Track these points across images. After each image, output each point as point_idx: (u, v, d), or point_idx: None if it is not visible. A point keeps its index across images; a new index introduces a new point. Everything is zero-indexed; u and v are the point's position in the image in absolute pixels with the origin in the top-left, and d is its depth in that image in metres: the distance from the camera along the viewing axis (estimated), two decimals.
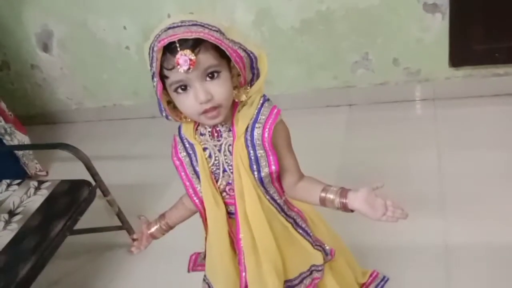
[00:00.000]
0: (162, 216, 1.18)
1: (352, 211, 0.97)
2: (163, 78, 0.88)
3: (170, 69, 0.86)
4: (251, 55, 0.91)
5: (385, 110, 2.40)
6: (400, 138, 2.20)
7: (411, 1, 2.13)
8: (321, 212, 1.22)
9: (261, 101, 0.97)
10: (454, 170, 1.94)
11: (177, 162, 1.02)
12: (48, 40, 2.71)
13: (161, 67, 0.87)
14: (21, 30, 2.69)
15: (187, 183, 1.02)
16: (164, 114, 0.97)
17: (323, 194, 0.99)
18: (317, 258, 1.12)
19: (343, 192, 0.97)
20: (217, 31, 0.86)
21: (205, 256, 1.18)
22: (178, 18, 0.87)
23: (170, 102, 0.95)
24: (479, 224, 1.69)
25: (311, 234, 1.12)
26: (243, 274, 1.06)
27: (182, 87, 0.88)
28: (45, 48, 2.75)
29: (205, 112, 0.90)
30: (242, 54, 0.89)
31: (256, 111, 0.96)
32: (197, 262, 1.24)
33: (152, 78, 0.90)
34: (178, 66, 0.83)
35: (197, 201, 1.02)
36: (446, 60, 2.25)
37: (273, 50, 2.37)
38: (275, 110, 0.96)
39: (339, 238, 1.33)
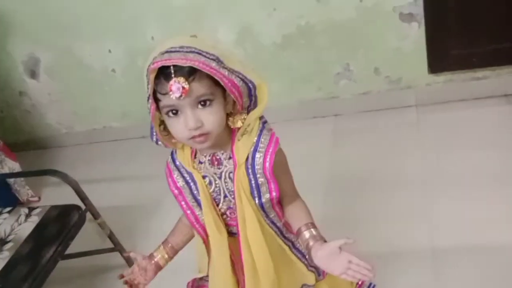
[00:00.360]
0: (165, 242, 1.14)
1: None
2: (156, 100, 0.90)
3: (163, 94, 0.87)
4: (249, 84, 0.92)
5: (369, 119, 2.45)
6: (385, 145, 2.24)
7: (387, 12, 2.19)
8: None
9: (260, 128, 0.98)
10: (439, 174, 1.98)
11: (176, 192, 1.02)
12: (35, 67, 2.74)
13: (155, 90, 0.88)
14: (8, 58, 2.73)
15: (188, 212, 1.03)
16: (154, 139, 0.99)
17: (302, 229, 1.01)
18: (310, 278, 1.15)
19: (313, 243, 0.98)
20: (214, 60, 0.87)
21: (201, 278, 1.21)
22: (179, 41, 0.88)
23: (162, 123, 0.97)
24: (465, 227, 1.72)
25: (307, 256, 1.12)
26: None
27: (174, 111, 0.89)
28: (33, 75, 2.78)
29: (193, 137, 0.91)
30: (239, 83, 0.90)
31: (256, 138, 0.97)
32: (195, 286, 1.26)
33: (147, 99, 0.91)
34: (171, 93, 0.84)
35: (199, 228, 1.03)
36: (425, 67, 2.30)
37: (257, 65, 2.34)
38: (274, 138, 0.98)
39: None
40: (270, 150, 0.96)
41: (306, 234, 1.00)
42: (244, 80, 0.91)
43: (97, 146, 2.96)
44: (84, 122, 2.94)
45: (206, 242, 1.05)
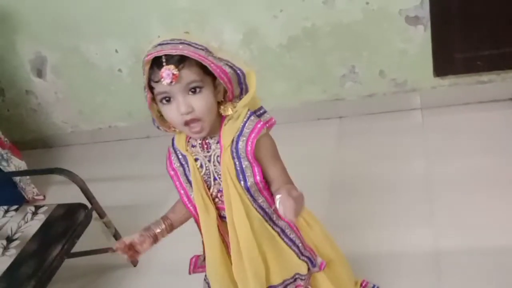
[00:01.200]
0: (165, 218, 1.19)
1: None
2: (151, 89, 0.98)
3: (156, 82, 0.95)
4: (238, 71, 0.99)
5: (374, 121, 2.45)
6: (390, 148, 2.24)
7: (393, 15, 2.19)
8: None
9: (247, 115, 1.04)
10: (443, 178, 1.98)
11: (172, 172, 1.10)
12: (41, 66, 2.76)
13: (150, 79, 0.96)
14: (15, 57, 2.74)
15: (182, 191, 1.10)
16: (156, 125, 1.07)
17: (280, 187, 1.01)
18: (302, 268, 1.17)
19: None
20: (203, 50, 0.95)
21: (204, 258, 1.23)
22: (170, 36, 0.97)
23: (160, 112, 1.04)
24: (468, 230, 1.73)
25: (299, 244, 1.16)
26: None
27: (167, 98, 0.97)
28: (39, 74, 2.80)
29: (187, 124, 0.98)
30: (228, 70, 0.97)
31: (242, 124, 1.03)
32: (198, 264, 1.28)
33: (144, 89, 1.00)
34: (162, 79, 0.92)
35: (191, 207, 1.09)
36: (430, 70, 2.30)
37: (262, 67, 2.42)
38: (259, 125, 1.03)
39: (335, 243, 1.35)
40: (253, 135, 1.02)
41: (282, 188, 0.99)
42: (233, 67, 0.98)
43: (103, 145, 2.98)
44: (90, 121, 2.96)
45: (197, 221, 1.11)
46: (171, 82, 0.92)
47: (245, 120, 1.03)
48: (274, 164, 1.07)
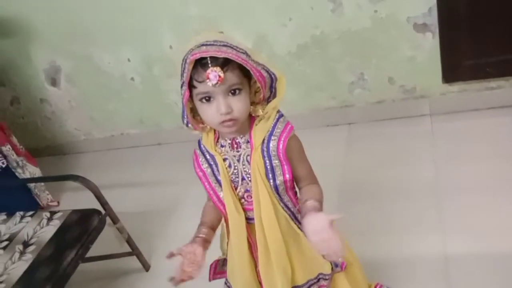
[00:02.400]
0: (201, 224, 1.18)
1: None
2: (191, 87, 1.00)
3: (200, 82, 0.97)
4: (272, 75, 1.03)
5: (383, 127, 2.46)
6: (399, 154, 2.25)
7: (401, 23, 2.21)
8: None
9: (277, 116, 1.08)
10: (452, 183, 1.98)
11: (200, 174, 1.12)
12: (56, 75, 2.82)
13: (191, 78, 0.98)
14: (30, 67, 2.81)
15: (211, 192, 1.12)
16: (185, 122, 1.08)
17: (308, 200, 1.06)
18: (326, 267, 1.20)
19: (305, 213, 1.03)
20: (244, 53, 0.98)
21: (223, 263, 1.27)
22: (212, 36, 1.00)
23: (192, 111, 1.07)
24: (477, 236, 1.73)
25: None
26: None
27: (207, 98, 1.00)
28: (53, 82, 2.86)
29: (223, 122, 1.01)
30: (264, 74, 1.01)
31: (272, 124, 1.07)
32: (217, 270, 1.30)
33: (181, 87, 1.01)
34: (208, 80, 0.95)
35: (221, 207, 1.12)
36: (439, 77, 2.31)
37: None
38: (289, 126, 1.08)
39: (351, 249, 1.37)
40: (284, 135, 1.06)
41: (310, 204, 1.04)
42: (268, 71, 1.02)
43: (115, 152, 3.03)
44: (102, 128, 3.01)
45: (226, 220, 1.13)
46: (217, 83, 0.95)
47: (275, 121, 1.07)
48: (303, 164, 1.11)
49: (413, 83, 2.38)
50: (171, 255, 1.09)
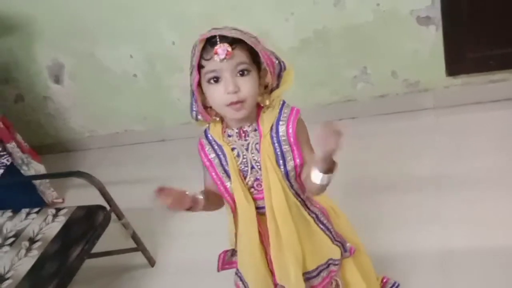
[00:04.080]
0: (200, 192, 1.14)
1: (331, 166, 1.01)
2: (200, 69, 1.00)
3: (208, 59, 0.98)
4: (281, 63, 1.04)
5: (386, 122, 2.46)
6: (402, 148, 2.25)
7: (404, 16, 2.20)
8: None
9: (281, 103, 1.09)
10: (455, 177, 1.98)
11: (207, 163, 1.12)
12: (59, 72, 2.83)
13: (200, 58, 0.99)
14: (33, 64, 2.82)
15: (218, 182, 1.11)
16: (194, 114, 1.08)
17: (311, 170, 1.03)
18: (335, 252, 1.21)
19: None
20: (254, 38, 1.00)
21: (232, 254, 1.27)
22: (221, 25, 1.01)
23: (203, 103, 1.06)
24: (478, 230, 1.73)
25: (332, 230, 1.21)
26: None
27: (215, 78, 1.00)
28: (57, 80, 2.86)
29: (231, 104, 1.00)
30: (274, 60, 1.02)
31: (278, 110, 1.07)
32: (225, 260, 1.30)
33: (191, 74, 1.02)
34: (216, 55, 0.96)
35: (228, 198, 1.12)
36: (443, 70, 2.31)
37: None
38: (295, 109, 1.09)
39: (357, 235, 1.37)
40: (292, 118, 1.07)
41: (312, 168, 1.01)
42: (278, 58, 1.03)
43: (119, 149, 3.03)
44: (106, 125, 3.02)
45: (234, 211, 1.13)
46: (224, 58, 0.96)
47: (280, 107, 1.08)
48: (309, 149, 1.11)
49: (416, 76, 2.38)
50: (160, 189, 1.04)
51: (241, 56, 0.98)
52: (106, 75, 2.75)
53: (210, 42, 0.97)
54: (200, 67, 1.00)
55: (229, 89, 0.98)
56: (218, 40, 0.96)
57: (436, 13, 2.16)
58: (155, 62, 2.64)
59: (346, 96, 2.53)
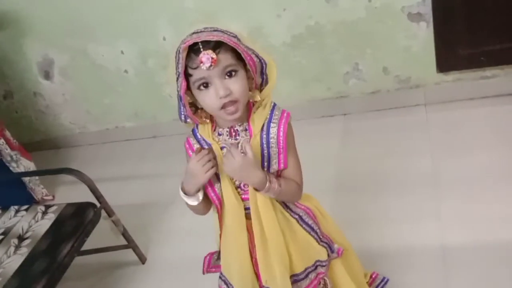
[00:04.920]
0: None
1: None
2: (187, 77, 1.00)
3: (194, 68, 0.97)
4: (262, 61, 1.03)
5: (378, 118, 2.47)
6: (394, 144, 2.25)
7: (396, 12, 2.20)
8: None
9: (272, 104, 1.09)
10: (449, 173, 1.99)
11: None
12: (49, 68, 2.80)
13: (186, 66, 0.98)
14: (23, 60, 2.79)
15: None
16: (182, 117, 1.07)
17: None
18: (322, 254, 1.20)
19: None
20: (234, 37, 0.98)
21: (218, 257, 1.26)
22: (202, 26, 1.00)
23: (190, 105, 1.05)
24: (475, 225, 1.74)
25: (317, 230, 1.20)
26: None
27: (204, 84, 0.99)
28: (47, 76, 2.84)
29: (224, 107, 1.00)
30: (255, 59, 1.01)
31: (270, 111, 1.07)
32: (211, 264, 1.30)
33: (177, 80, 1.00)
34: (201, 64, 0.95)
35: (214, 197, 1.11)
36: (434, 66, 2.31)
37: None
38: (286, 112, 1.08)
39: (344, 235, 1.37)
40: (283, 121, 1.06)
41: (275, 178, 1.07)
42: (258, 56, 1.01)
43: (110, 145, 3.02)
44: (97, 122, 2.99)
45: (219, 211, 1.13)
46: (210, 66, 0.95)
47: (271, 108, 1.08)
48: (293, 155, 1.11)
49: (408, 73, 2.38)
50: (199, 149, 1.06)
51: (226, 58, 0.98)
52: (97, 71, 2.73)
53: (193, 50, 0.96)
54: (187, 74, 1.00)
55: (220, 93, 0.98)
56: (201, 47, 0.95)
57: (427, 10, 2.16)
58: (147, 58, 2.62)
59: (338, 92, 2.53)
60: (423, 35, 2.24)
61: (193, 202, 1.10)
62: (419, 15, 2.19)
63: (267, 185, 1.04)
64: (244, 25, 2.40)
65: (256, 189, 1.06)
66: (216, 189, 1.10)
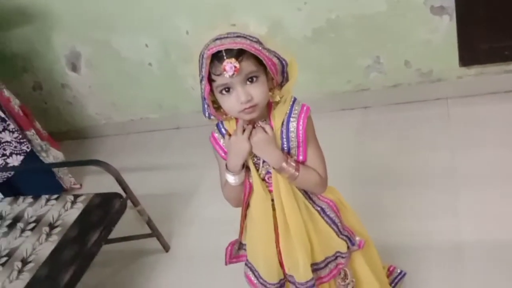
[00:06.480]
0: None
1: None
2: (210, 81, 1.04)
3: (218, 75, 1.02)
4: (283, 61, 1.06)
5: (399, 111, 2.46)
6: (414, 138, 2.26)
7: (418, 5, 2.19)
8: None
9: (292, 99, 1.12)
10: (468, 168, 1.99)
11: (224, 155, 1.17)
12: (76, 60, 2.88)
13: (209, 72, 1.02)
14: (51, 53, 2.87)
15: None
16: (207, 114, 1.12)
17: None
18: (341, 246, 1.25)
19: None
20: (256, 42, 1.02)
21: (239, 247, 1.32)
22: (225, 30, 1.03)
23: (213, 103, 1.10)
24: (492, 221, 1.74)
25: (338, 224, 1.25)
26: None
27: (226, 89, 1.04)
28: (74, 68, 2.92)
29: (244, 110, 1.04)
30: (276, 61, 1.04)
31: (289, 107, 1.11)
32: (233, 254, 1.35)
33: (201, 82, 1.05)
34: (225, 72, 0.99)
35: (247, 184, 1.17)
36: (456, 60, 2.30)
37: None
38: (305, 107, 1.12)
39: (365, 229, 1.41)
40: (303, 115, 1.11)
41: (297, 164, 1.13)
42: (279, 58, 1.05)
43: (134, 136, 3.09)
44: (122, 113, 3.07)
45: (246, 200, 1.19)
46: (233, 74, 0.99)
47: (291, 103, 1.12)
48: (314, 145, 1.16)
49: (429, 66, 2.37)
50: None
51: (248, 66, 1.01)
52: (122, 64, 2.80)
53: (217, 57, 1.00)
54: (210, 79, 1.04)
55: (241, 99, 1.02)
56: (224, 55, 0.99)
57: (450, 3, 2.14)
58: (170, 51, 2.68)
59: (358, 85, 2.53)
60: (446, 29, 2.22)
61: (238, 180, 1.15)
62: (441, 8, 2.17)
63: (282, 164, 1.09)
64: (264, 18, 2.42)
65: (275, 169, 1.11)
66: (249, 178, 1.16)
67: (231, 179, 1.15)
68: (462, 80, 2.36)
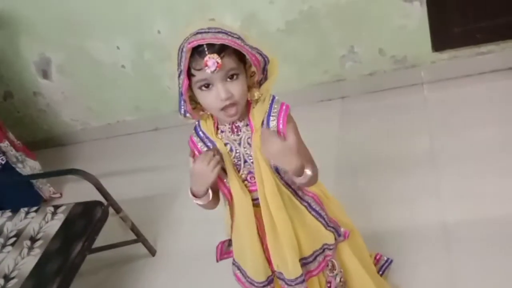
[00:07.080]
0: None
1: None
2: (189, 76, 1.00)
3: (198, 69, 0.98)
4: (265, 58, 1.03)
5: (376, 99, 2.48)
6: (393, 124, 2.27)
7: None
8: None
9: (271, 98, 1.10)
10: (448, 151, 2.02)
11: None
12: (47, 67, 2.81)
13: (189, 66, 0.98)
14: (20, 60, 2.80)
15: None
16: (182, 111, 1.07)
17: None
18: (329, 238, 1.25)
19: None
20: (238, 38, 0.98)
21: (229, 244, 1.31)
22: (205, 24, 0.99)
23: (191, 100, 1.06)
24: (475, 201, 1.77)
25: (324, 216, 1.24)
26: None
27: (206, 85, 1.00)
28: (45, 75, 2.85)
29: (224, 108, 1.02)
30: (259, 57, 1.02)
31: (269, 106, 1.09)
32: (223, 251, 1.34)
33: (179, 76, 1.01)
34: (206, 67, 0.96)
35: (226, 191, 1.15)
36: (429, 45, 2.32)
37: None
38: (285, 105, 1.10)
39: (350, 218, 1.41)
40: (282, 114, 1.09)
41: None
42: (261, 54, 1.02)
43: (113, 140, 3.04)
44: (99, 117, 3.02)
45: (230, 203, 1.17)
46: (215, 70, 0.96)
47: (270, 102, 1.10)
48: (299, 142, 1.12)
49: (403, 53, 2.39)
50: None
51: (229, 62, 0.99)
52: (95, 67, 2.74)
53: (197, 51, 0.97)
54: (189, 74, 1.00)
55: (222, 96, 1.00)
56: (206, 49, 0.95)
57: None
58: (143, 52, 2.63)
59: (335, 75, 2.54)
60: (418, 15, 2.24)
61: (203, 201, 1.12)
62: None
63: (305, 171, 1.05)
64: (238, 13, 2.40)
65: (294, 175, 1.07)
66: (226, 183, 1.14)
67: (198, 202, 1.12)
68: (436, 65, 2.38)
